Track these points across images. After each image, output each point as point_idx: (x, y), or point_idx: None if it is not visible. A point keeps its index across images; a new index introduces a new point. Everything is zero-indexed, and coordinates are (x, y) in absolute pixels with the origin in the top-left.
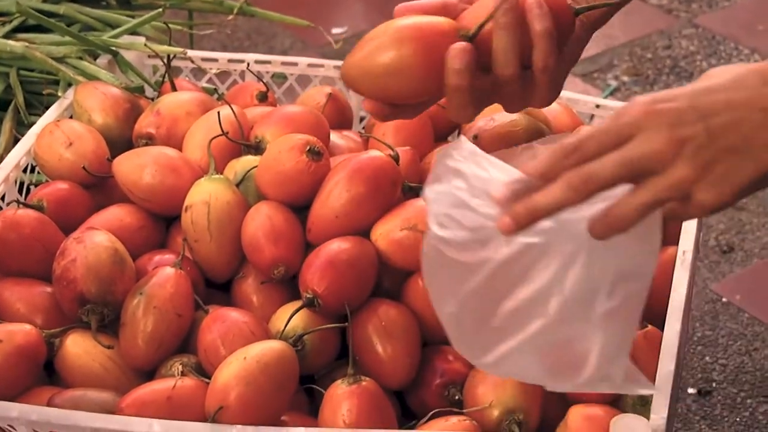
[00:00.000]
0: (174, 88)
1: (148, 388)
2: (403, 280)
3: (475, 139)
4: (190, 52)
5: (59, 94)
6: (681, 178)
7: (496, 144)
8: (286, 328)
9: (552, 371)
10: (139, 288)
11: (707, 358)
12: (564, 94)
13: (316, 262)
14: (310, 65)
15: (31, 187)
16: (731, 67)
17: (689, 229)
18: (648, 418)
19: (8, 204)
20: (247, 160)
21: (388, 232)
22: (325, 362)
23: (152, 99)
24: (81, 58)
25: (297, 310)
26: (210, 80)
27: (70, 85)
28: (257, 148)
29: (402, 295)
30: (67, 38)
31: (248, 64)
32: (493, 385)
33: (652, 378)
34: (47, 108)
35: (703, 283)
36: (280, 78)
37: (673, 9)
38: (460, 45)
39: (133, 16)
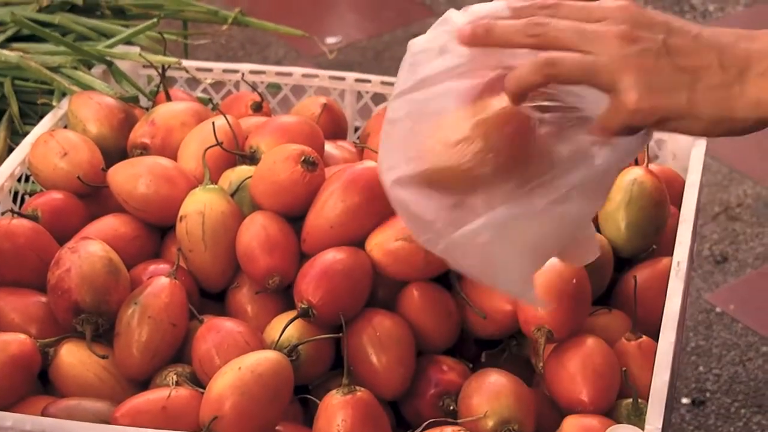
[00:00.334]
0: (169, 98)
1: (143, 397)
2: (398, 290)
3: None
4: (185, 62)
5: (54, 103)
6: (611, 65)
7: None
8: (281, 338)
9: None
10: (134, 298)
11: (701, 368)
12: None
13: (310, 272)
14: (304, 75)
15: (26, 196)
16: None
17: (683, 240)
18: (643, 428)
19: (3, 213)
20: (242, 170)
21: (382, 242)
22: (320, 372)
23: (147, 109)
24: (76, 68)
25: (292, 320)
26: (204, 90)
27: (64, 94)
28: (252, 159)
29: (396, 305)
30: (62, 48)
31: (243, 75)
32: (488, 395)
33: (648, 388)
34: (42, 118)
35: (696, 293)
36: (274, 88)
37: None
38: None
39: (127, 26)
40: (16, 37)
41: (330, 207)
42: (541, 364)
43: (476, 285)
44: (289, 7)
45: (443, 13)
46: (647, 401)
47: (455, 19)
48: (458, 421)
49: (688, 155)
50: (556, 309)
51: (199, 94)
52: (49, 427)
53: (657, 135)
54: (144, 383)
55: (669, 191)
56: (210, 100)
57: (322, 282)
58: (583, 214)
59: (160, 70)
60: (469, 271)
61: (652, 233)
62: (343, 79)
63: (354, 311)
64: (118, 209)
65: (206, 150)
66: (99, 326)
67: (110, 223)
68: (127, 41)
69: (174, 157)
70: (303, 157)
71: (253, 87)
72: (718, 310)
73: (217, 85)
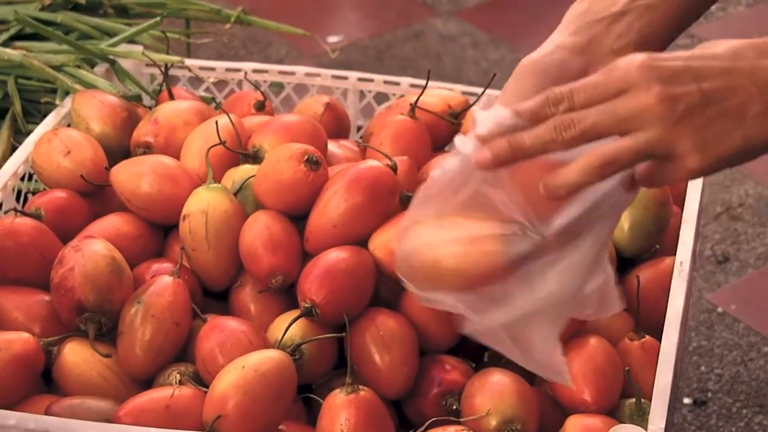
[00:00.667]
0: (172, 97)
1: (146, 396)
2: (401, 289)
3: None
4: (188, 61)
5: (57, 102)
6: (666, 136)
7: None
8: (284, 337)
9: None
10: (137, 297)
11: (703, 368)
12: None
13: (314, 271)
14: (307, 74)
15: (29, 195)
16: (727, 40)
17: (686, 240)
18: (646, 428)
19: (6, 212)
20: (245, 170)
21: (386, 241)
22: (323, 372)
23: (150, 108)
24: (79, 67)
25: (295, 320)
26: (207, 89)
27: (67, 93)
28: (255, 158)
29: (399, 304)
30: (65, 46)
31: (246, 74)
32: (491, 394)
33: (650, 388)
34: (45, 116)
35: (698, 293)
36: (276, 87)
37: None
38: None
39: (130, 25)
40: (20, 36)
41: (333, 206)
42: None
43: None
44: (290, 6)
45: (444, 14)
46: (650, 401)
47: (464, 148)
48: (461, 420)
49: None
50: None
51: (201, 93)
52: (53, 425)
53: None
54: (147, 382)
55: (671, 191)
56: (213, 99)
57: (326, 281)
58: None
59: (163, 69)
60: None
61: (655, 233)
62: (345, 78)
63: (357, 310)
64: (121, 208)
65: (209, 149)
66: (102, 325)
67: (113, 222)
68: (130, 40)
69: (177, 156)
70: (306, 157)
71: (256, 86)
72: (719, 310)
73: (220, 84)
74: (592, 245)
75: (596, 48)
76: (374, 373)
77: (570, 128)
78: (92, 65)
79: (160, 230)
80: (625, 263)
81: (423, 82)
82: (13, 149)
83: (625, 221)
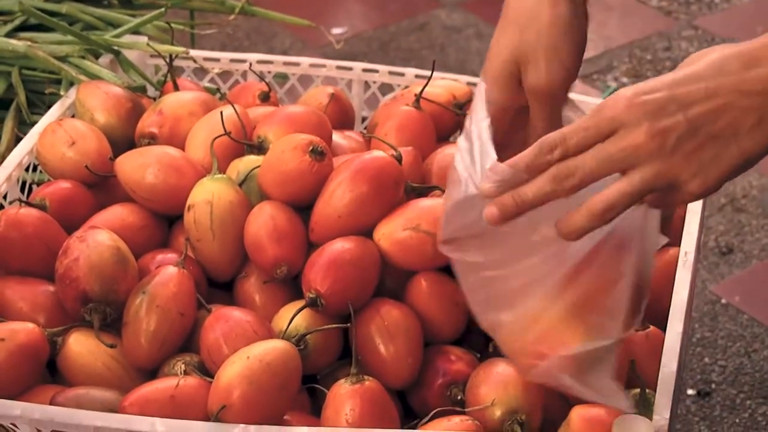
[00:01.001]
0: (176, 88)
1: (151, 386)
2: (406, 280)
3: None
4: (193, 52)
5: (61, 93)
6: (663, 169)
7: None
8: (289, 327)
9: None
10: (142, 287)
11: (706, 359)
12: None
13: (319, 261)
14: (312, 65)
15: (34, 186)
16: (711, 51)
17: (691, 230)
18: (651, 418)
19: (11, 203)
20: (250, 160)
21: (390, 232)
22: (328, 362)
23: (154, 98)
24: (83, 58)
25: (300, 310)
26: (212, 80)
27: (72, 84)
28: (260, 148)
29: (404, 295)
30: (70, 37)
31: (250, 64)
32: (496, 384)
33: (655, 379)
34: (49, 107)
35: (702, 285)
36: (281, 78)
37: (672, 11)
38: None
39: (134, 16)
40: (24, 27)
41: (338, 197)
42: None
43: None
44: None
45: (449, 5)
46: (655, 392)
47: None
48: (466, 410)
49: None
50: None
51: (206, 83)
52: (58, 416)
53: None
54: (152, 372)
55: None
56: (218, 89)
57: (330, 271)
58: None
59: (167, 60)
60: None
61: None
62: (350, 69)
63: (362, 301)
64: (126, 199)
65: (214, 140)
66: (107, 315)
67: (118, 213)
68: (135, 31)
69: (182, 146)
70: (311, 147)
71: (261, 77)
72: (723, 301)
73: (225, 74)
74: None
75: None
76: (379, 364)
77: (569, 177)
78: (96, 56)
79: (165, 221)
80: None
81: (428, 73)
82: (18, 140)
83: None
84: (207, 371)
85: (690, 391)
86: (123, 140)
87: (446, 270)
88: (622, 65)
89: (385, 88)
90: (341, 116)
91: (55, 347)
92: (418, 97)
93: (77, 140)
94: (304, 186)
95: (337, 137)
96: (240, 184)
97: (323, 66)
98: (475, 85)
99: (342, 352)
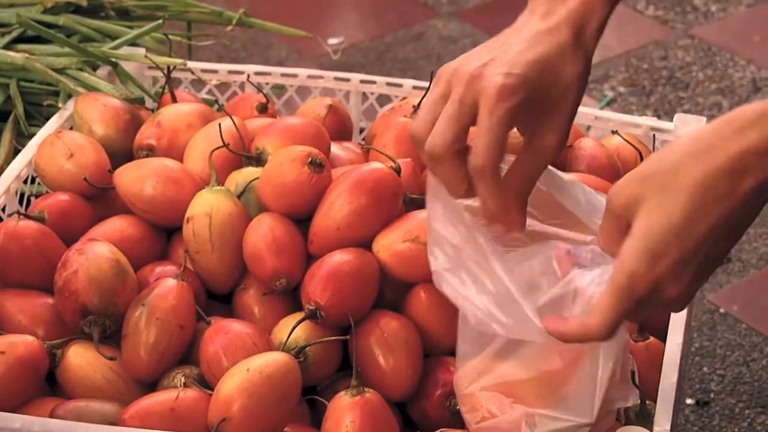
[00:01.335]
0: (174, 100)
1: (151, 399)
2: (405, 291)
3: None
4: (190, 64)
5: (59, 105)
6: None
7: None
8: (289, 339)
9: None
10: (141, 299)
11: (705, 368)
12: None
13: (318, 273)
14: (309, 77)
15: (32, 198)
16: (704, 162)
17: None
18: (651, 429)
19: (9, 215)
20: (249, 172)
21: (390, 243)
22: (328, 374)
23: (152, 110)
24: (81, 70)
25: (299, 322)
26: (209, 91)
27: (70, 96)
28: (258, 160)
29: (404, 307)
30: (67, 49)
31: (248, 76)
32: None
33: (655, 390)
34: (47, 119)
35: (700, 294)
36: (277, 89)
37: (668, 20)
38: None
39: (132, 27)
40: (22, 39)
41: (337, 208)
42: None
43: None
44: (290, 8)
45: (445, 15)
46: (655, 402)
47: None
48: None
49: None
50: None
51: (204, 95)
52: (58, 428)
53: (662, 136)
54: (152, 385)
55: None
56: (216, 101)
57: (330, 283)
58: None
59: (165, 72)
60: None
61: None
62: (348, 80)
63: (361, 313)
64: (125, 211)
65: (213, 151)
66: (106, 328)
67: (117, 225)
68: (132, 42)
69: (180, 158)
70: (310, 159)
71: (259, 88)
72: (721, 310)
73: (222, 86)
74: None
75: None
76: (378, 375)
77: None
78: (94, 68)
79: (164, 233)
80: None
81: (425, 83)
82: (16, 152)
83: None
84: (207, 384)
85: (689, 401)
86: (121, 152)
87: None
88: (618, 74)
89: (383, 99)
90: (339, 127)
91: (54, 360)
92: (416, 108)
93: (75, 152)
94: (303, 198)
95: (335, 149)
96: (239, 196)
97: (321, 77)
98: None
99: (341, 364)
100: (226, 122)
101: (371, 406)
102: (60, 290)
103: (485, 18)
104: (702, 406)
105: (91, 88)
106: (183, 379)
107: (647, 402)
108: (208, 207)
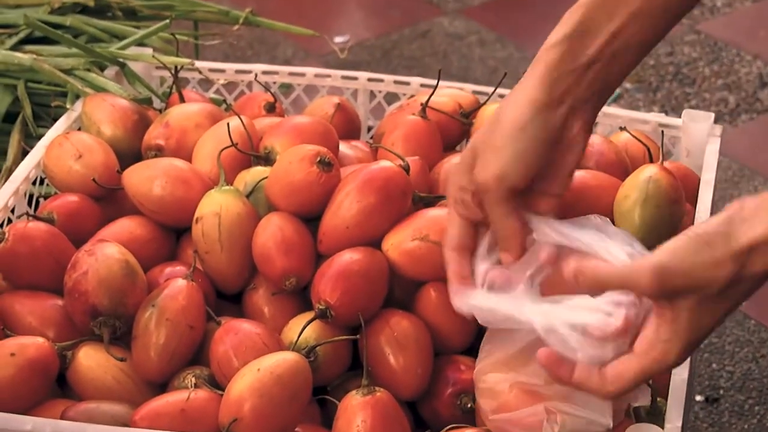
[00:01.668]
0: (182, 100)
1: (162, 400)
2: (415, 290)
3: None
4: (198, 63)
5: (67, 106)
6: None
7: None
8: (299, 339)
9: None
10: (151, 300)
11: (714, 365)
12: None
13: (328, 273)
14: (317, 75)
15: (41, 199)
16: (716, 262)
17: None
18: (663, 427)
19: (19, 217)
20: (257, 171)
21: (399, 242)
22: (338, 373)
23: (160, 110)
24: (89, 70)
25: (309, 322)
26: (217, 91)
27: (78, 97)
28: (267, 159)
29: (414, 305)
30: (75, 50)
31: (256, 75)
32: None
33: (666, 387)
34: (55, 120)
35: None
36: (285, 88)
37: None
38: None
39: (139, 27)
40: (29, 40)
41: (346, 207)
42: None
43: None
44: (296, 6)
45: (451, 12)
46: (666, 400)
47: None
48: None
49: (701, 152)
50: None
51: (211, 94)
52: (69, 430)
53: (670, 132)
54: (162, 386)
55: (683, 188)
56: (223, 100)
57: (340, 282)
58: None
59: (173, 72)
60: None
61: (668, 231)
62: (355, 78)
63: (371, 312)
64: (134, 211)
65: (221, 151)
66: (116, 329)
67: (126, 226)
68: (139, 42)
69: (189, 158)
70: (318, 158)
71: (266, 87)
72: None
73: (230, 85)
74: None
75: (567, 99)
76: (389, 374)
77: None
78: (102, 68)
79: (173, 233)
80: None
81: (433, 81)
82: (24, 153)
83: (638, 219)
84: (217, 384)
85: (698, 398)
86: (130, 153)
87: None
88: None
89: (391, 98)
90: (347, 126)
91: (64, 361)
92: (425, 106)
93: (84, 153)
94: (312, 197)
95: (343, 147)
96: (247, 196)
97: (328, 76)
98: (479, 93)
99: (352, 364)
100: (234, 122)
101: (382, 405)
102: (70, 291)
103: (491, 15)
104: (711, 403)
105: (99, 89)
106: (193, 379)
107: (658, 399)
108: (217, 207)
